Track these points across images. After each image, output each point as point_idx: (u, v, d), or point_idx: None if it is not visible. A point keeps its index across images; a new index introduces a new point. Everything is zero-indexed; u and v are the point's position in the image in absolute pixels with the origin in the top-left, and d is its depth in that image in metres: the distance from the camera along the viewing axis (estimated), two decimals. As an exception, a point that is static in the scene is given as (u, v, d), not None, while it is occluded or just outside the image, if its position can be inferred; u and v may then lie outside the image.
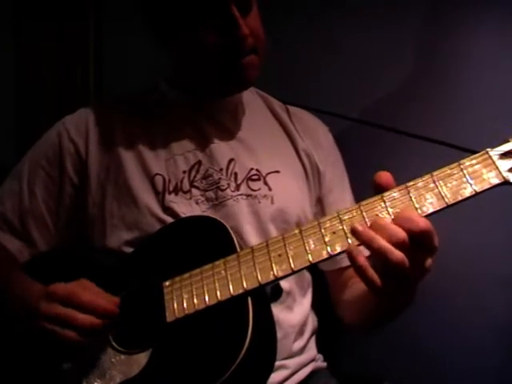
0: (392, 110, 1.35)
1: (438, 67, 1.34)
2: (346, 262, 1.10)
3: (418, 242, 0.73)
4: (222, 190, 1.03)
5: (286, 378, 1.03)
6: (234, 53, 0.97)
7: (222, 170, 1.05)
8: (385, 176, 0.78)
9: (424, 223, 0.73)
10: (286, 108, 1.18)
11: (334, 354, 1.19)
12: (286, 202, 1.06)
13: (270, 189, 1.06)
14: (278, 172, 1.08)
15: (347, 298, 1.09)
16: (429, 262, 0.75)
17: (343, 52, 1.40)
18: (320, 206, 1.15)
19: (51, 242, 1.09)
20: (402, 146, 1.24)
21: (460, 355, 1.31)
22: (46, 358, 0.92)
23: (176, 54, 1.07)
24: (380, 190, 0.78)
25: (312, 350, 1.13)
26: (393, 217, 0.76)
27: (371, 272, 0.73)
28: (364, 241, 0.74)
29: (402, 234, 0.72)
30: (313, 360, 1.12)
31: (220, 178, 1.04)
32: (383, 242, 0.72)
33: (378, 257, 0.73)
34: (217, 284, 0.85)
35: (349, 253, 0.75)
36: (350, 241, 0.78)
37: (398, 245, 0.72)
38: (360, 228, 0.75)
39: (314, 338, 1.15)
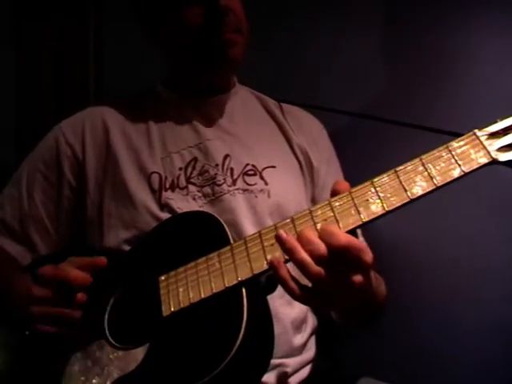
0: (392, 111, 1.34)
1: (438, 68, 1.34)
2: None
3: (340, 258, 0.72)
4: (219, 185, 1.04)
5: (287, 378, 1.03)
6: (213, 27, 1.00)
7: (217, 165, 1.05)
8: (343, 184, 0.79)
9: (345, 238, 0.72)
10: (280, 106, 1.20)
11: (334, 354, 1.19)
12: (283, 197, 1.07)
13: (266, 183, 1.06)
14: (274, 167, 1.09)
15: None
16: (357, 278, 0.73)
17: (342, 52, 1.41)
18: (315, 203, 1.15)
19: (52, 245, 1.10)
20: (397, 141, 1.24)
21: (460, 353, 1.31)
22: (46, 356, 0.92)
23: (165, 44, 1.09)
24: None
25: (312, 350, 1.12)
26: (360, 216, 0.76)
27: (292, 284, 0.74)
28: (286, 249, 0.75)
29: (322, 248, 0.72)
30: (313, 359, 1.12)
31: (216, 174, 1.05)
32: (303, 255, 0.73)
33: (298, 268, 0.74)
34: (211, 276, 0.85)
35: (271, 263, 0.76)
36: (341, 227, 0.78)
37: (317, 259, 0.72)
38: (284, 236, 0.76)
39: (313, 338, 1.15)
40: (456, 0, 1.32)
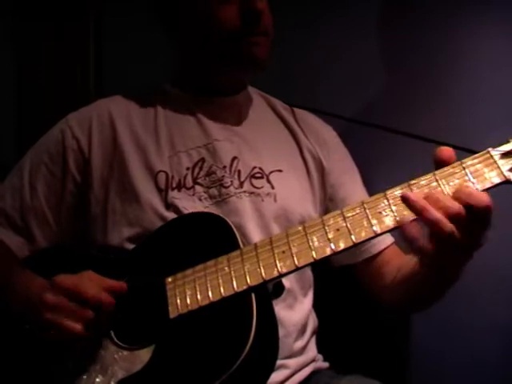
0: (394, 112, 1.35)
1: (440, 68, 1.34)
2: (374, 251, 1.11)
3: (477, 217, 0.74)
4: (226, 187, 1.04)
5: (287, 378, 1.03)
6: (247, 27, 1.01)
7: (225, 167, 1.05)
8: (447, 152, 0.78)
9: (487, 198, 0.74)
10: (291, 109, 1.19)
11: (334, 354, 1.19)
12: (289, 201, 1.07)
13: (272, 187, 1.06)
14: (280, 171, 1.09)
15: (391, 282, 1.08)
16: (482, 235, 0.76)
17: (345, 53, 1.41)
18: (333, 203, 1.15)
19: (52, 238, 1.09)
20: (405, 148, 1.25)
21: (460, 354, 1.31)
22: (48, 353, 0.91)
23: (189, 35, 1.08)
24: (441, 166, 0.78)
25: (312, 351, 1.13)
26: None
27: (421, 242, 0.75)
28: (416, 208, 0.75)
29: (457, 206, 0.73)
30: (313, 360, 1.12)
31: (223, 176, 1.04)
32: (436, 213, 0.73)
33: (430, 227, 0.74)
34: (220, 280, 0.85)
35: (399, 224, 0.76)
36: (353, 238, 0.78)
37: (452, 217, 0.73)
38: (412, 195, 0.76)
39: (314, 339, 1.15)
40: (456, 4, 1.33)
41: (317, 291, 1.17)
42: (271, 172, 1.07)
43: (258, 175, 1.07)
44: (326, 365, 1.16)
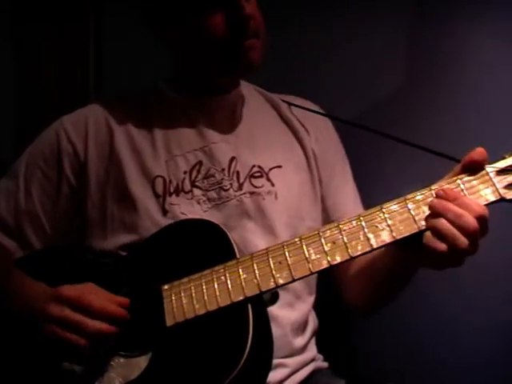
0: (390, 115, 1.35)
1: (439, 69, 1.34)
2: None
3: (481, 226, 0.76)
4: (225, 190, 1.03)
5: (286, 377, 1.03)
6: (237, 34, 0.99)
7: (223, 169, 1.05)
8: (477, 154, 0.77)
9: (482, 208, 0.75)
10: (287, 102, 1.18)
11: (334, 354, 1.20)
12: (290, 197, 1.07)
13: (272, 184, 1.06)
14: (280, 167, 1.08)
15: (356, 272, 1.08)
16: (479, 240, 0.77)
17: (342, 54, 1.41)
18: (325, 198, 1.15)
19: (46, 243, 1.09)
20: (400, 153, 1.24)
21: (460, 354, 1.31)
22: (45, 359, 0.91)
23: (180, 45, 1.07)
24: (471, 166, 0.78)
25: (312, 350, 1.12)
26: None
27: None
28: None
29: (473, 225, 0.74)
30: (313, 360, 1.11)
31: (222, 179, 1.04)
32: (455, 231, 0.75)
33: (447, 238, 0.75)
34: (217, 289, 0.85)
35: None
36: (350, 251, 0.79)
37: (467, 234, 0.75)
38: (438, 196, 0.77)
39: (314, 339, 1.14)
40: (456, 4, 1.33)
41: (317, 291, 1.17)
42: (271, 169, 1.07)
43: (258, 174, 1.06)
44: (325, 365, 1.16)
